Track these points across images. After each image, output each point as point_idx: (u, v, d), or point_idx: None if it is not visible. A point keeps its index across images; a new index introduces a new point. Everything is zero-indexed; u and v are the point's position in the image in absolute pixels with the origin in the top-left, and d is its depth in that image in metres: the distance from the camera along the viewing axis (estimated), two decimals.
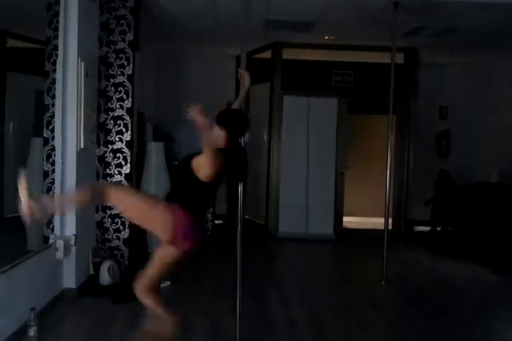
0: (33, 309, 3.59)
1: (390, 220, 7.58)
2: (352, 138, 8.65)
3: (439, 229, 8.39)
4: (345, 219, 8.34)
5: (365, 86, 8.04)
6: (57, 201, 3.46)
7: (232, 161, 3.04)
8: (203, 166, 2.85)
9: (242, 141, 3.60)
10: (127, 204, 2.98)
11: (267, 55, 7.92)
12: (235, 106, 3.55)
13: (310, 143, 7.90)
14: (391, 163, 5.76)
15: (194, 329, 3.95)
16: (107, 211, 5.35)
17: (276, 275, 5.96)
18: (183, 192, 3.00)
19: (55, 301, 4.35)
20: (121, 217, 5.35)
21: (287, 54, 7.89)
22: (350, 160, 8.42)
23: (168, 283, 5.08)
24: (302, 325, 4.20)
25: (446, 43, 7.34)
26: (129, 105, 5.40)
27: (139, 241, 5.88)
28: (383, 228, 5.68)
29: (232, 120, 3.13)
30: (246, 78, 3.68)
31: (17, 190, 2.87)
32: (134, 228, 5.65)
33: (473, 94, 8.81)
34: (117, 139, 5.38)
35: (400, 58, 7.53)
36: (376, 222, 7.69)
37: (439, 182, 8.44)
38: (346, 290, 5.32)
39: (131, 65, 5.39)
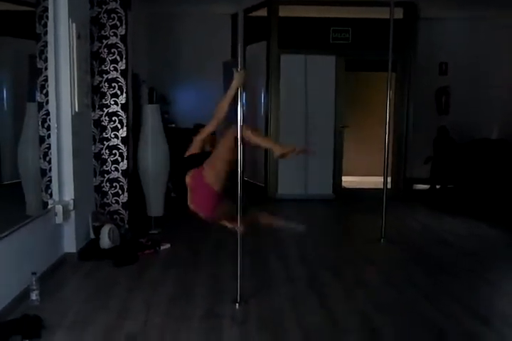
0: (34, 273, 3.63)
1: (389, 179, 7.59)
2: (350, 96, 8.54)
3: (438, 186, 8.40)
4: (344, 178, 8.33)
5: (363, 43, 7.88)
6: None
7: None
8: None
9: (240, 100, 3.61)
10: None
11: (263, 12, 7.73)
12: (223, 102, 3.62)
13: (308, 102, 7.81)
14: (390, 121, 5.71)
15: (195, 289, 4.00)
16: (105, 175, 5.33)
17: (275, 235, 5.99)
18: None
19: (56, 265, 4.39)
20: (120, 181, 5.35)
21: (283, 11, 7.70)
22: (349, 118, 8.34)
23: (168, 245, 5.13)
24: (302, 282, 4.25)
25: None
26: (123, 67, 5.30)
27: (138, 204, 5.89)
28: (382, 187, 5.69)
29: None
30: (237, 78, 3.61)
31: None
32: (133, 191, 5.67)
33: (474, 49, 8.64)
34: (112, 102, 5.30)
35: (398, 13, 7.36)
36: (375, 181, 7.68)
37: (438, 139, 8.38)
38: (346, 249, 5.36)
39: (123, 25, 5.26)
